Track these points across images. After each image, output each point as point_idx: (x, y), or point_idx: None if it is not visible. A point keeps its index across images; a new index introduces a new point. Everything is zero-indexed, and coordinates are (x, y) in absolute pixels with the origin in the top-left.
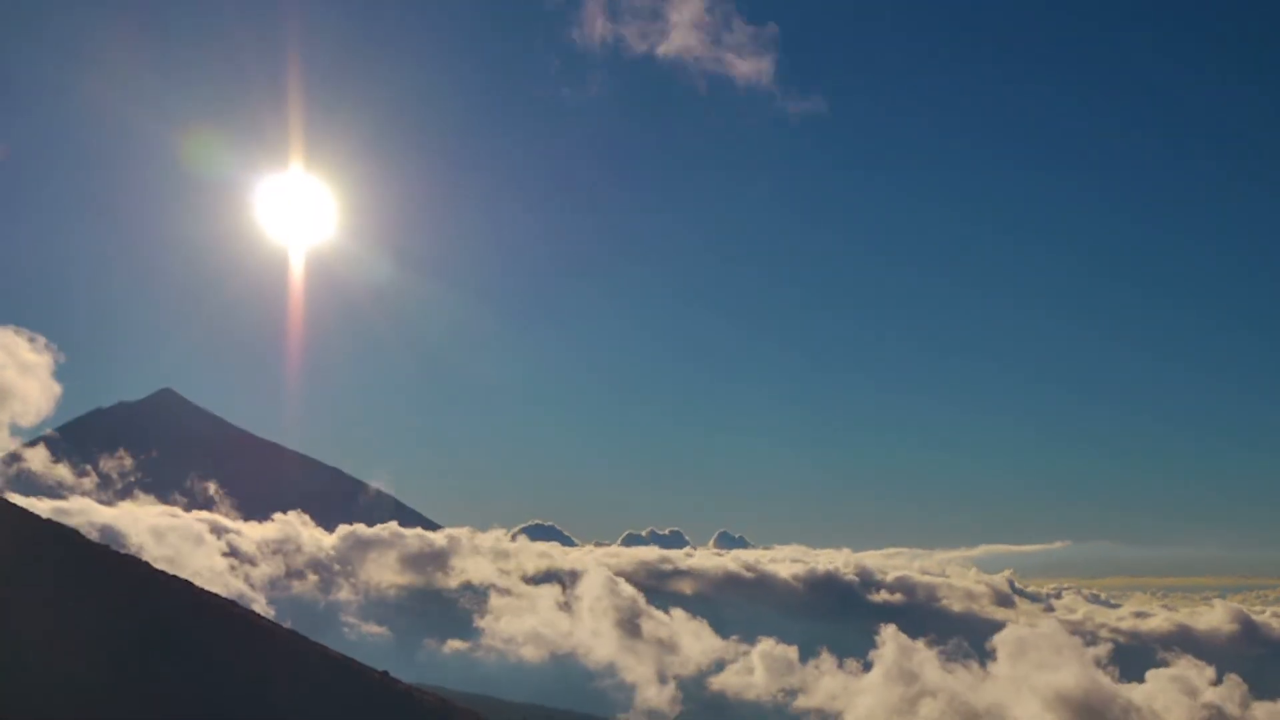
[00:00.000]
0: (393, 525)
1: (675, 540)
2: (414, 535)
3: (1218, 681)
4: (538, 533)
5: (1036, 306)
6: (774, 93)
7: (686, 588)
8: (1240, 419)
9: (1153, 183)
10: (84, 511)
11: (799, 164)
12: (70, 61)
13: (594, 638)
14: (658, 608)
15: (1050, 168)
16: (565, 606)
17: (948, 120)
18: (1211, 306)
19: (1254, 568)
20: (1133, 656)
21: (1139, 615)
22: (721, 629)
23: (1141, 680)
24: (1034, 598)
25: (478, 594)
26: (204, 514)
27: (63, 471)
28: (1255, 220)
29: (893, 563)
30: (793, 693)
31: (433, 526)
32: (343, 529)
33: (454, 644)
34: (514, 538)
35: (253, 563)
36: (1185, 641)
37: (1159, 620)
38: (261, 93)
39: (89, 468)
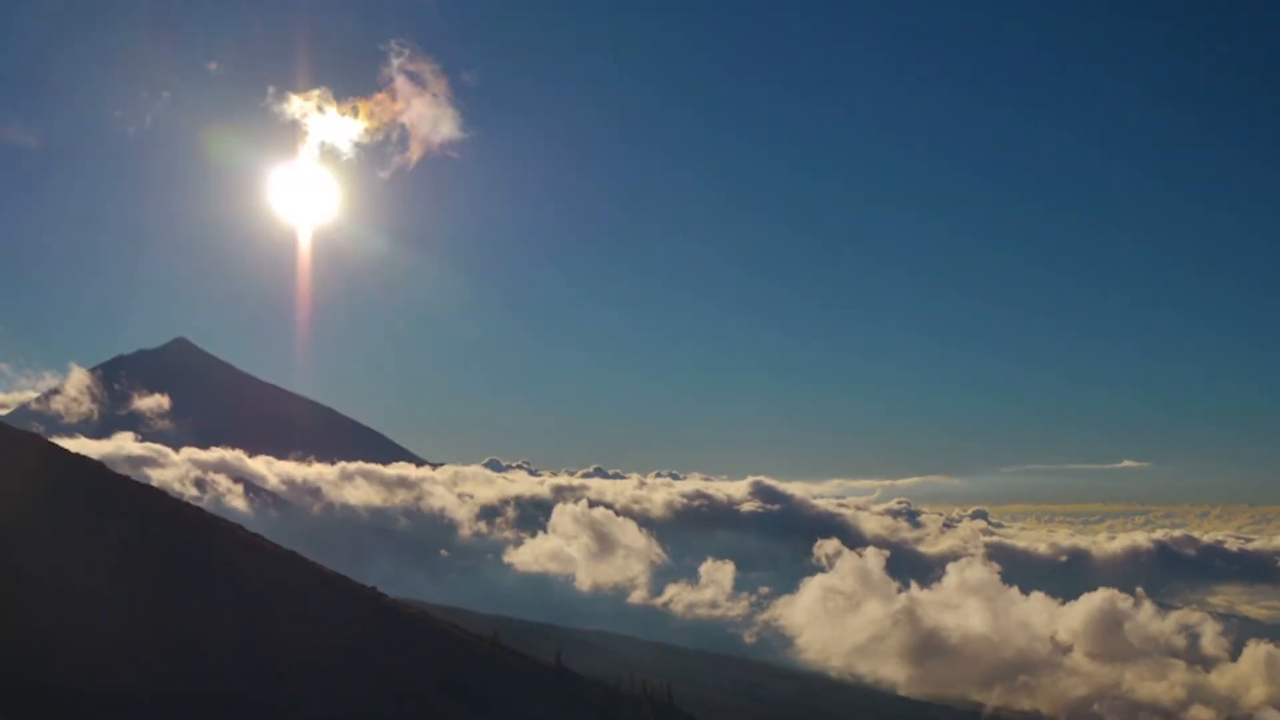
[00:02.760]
0: (384, 461)
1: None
2: (402, 467)
3: (1125, 596)
4: (503, 468)
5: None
6: None
7: (649, 514)
8: (1140, 353)
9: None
10: (107, 445)
11: None
12: (104, 62)
13: (566, 558)
14: (624, 533)
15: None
16: (542, 530)
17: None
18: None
19: (1140, 495)
20: (1049, 576)
21: (1060, 543)
22: (676, 551)
23: (1065, 600)
24: (949, 524)
25: (460, 519)
26: (216, 450)
27: (87, 408)
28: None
29: (825, 490)
30: (737, 604)
31: (419, 461)
32: (339, 462)
33: (438, 563)
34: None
35: (257, 492)
36: (1098, 561)
37: (1070, 544)
38: (273, 90)
39: (111, 406)
